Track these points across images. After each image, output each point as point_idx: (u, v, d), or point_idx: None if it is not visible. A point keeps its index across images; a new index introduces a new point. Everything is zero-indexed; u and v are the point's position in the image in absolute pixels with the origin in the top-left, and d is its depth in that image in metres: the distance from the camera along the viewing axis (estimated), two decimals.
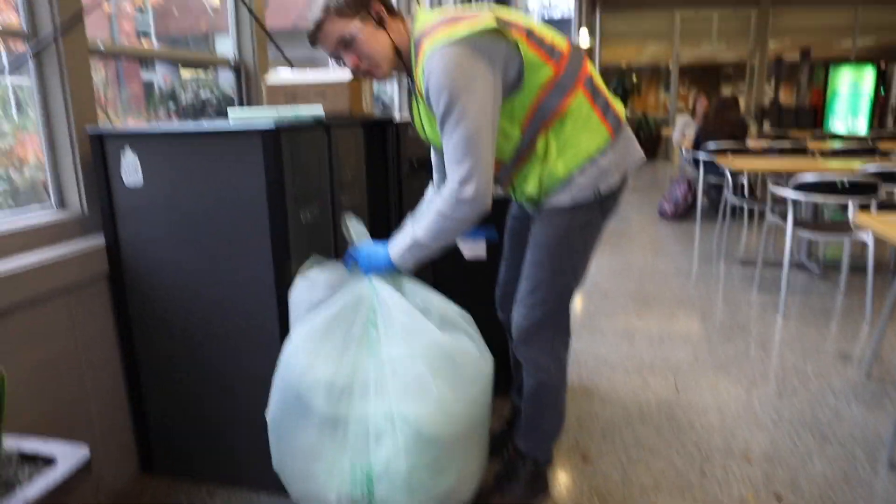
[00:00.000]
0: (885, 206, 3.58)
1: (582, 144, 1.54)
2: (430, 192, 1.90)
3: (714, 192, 6.52)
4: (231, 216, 1.66)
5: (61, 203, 1.86)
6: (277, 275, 1.65)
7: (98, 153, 1.74)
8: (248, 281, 1.69)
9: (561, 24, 16.01)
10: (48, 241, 1.74)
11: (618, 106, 1.63)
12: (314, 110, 1.75)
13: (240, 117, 1.76)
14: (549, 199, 1.60)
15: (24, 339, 1.59)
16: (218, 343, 1.78)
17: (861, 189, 3.31)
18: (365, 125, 2.23)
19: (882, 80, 11.38)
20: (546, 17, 16.64)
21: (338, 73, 2.24)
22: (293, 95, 2.19)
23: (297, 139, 1.68)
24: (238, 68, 2.75)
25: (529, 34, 1.49)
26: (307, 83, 2.19)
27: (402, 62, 1.55)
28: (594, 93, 1.57)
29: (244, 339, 1.75)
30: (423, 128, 1.63)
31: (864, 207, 3.47)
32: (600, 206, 1.61)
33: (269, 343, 1.70)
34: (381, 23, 1.51)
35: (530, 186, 1.59)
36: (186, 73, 5.43)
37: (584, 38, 11.36)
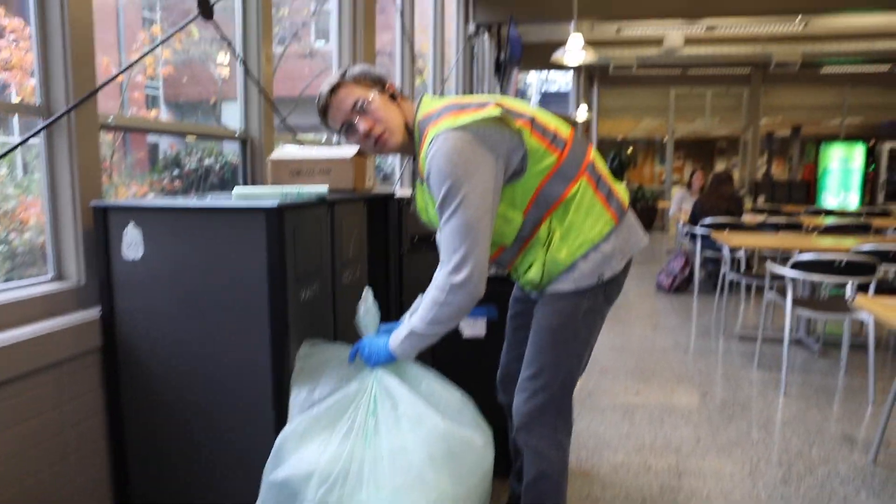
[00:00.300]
0: (882, 285, 3.58)
1: (585, 231, 1.55)
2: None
3: (711, 265, 6.54)
4: (230, 293, 1.65)
5: (59, 275, 1.85)
6: (275, 355, 1.63)
7: (101, 226, 1.74)
8: (244, 359, 1.66)
9: (559, 98, 16.49)
10: (43, 315, 1.71)
11: (621, 191, 1.64)
12: (318, 189, 1.77)
13: (244, 195, 1.77)
14: (551, 284, 1.59)
15: (7, 414, 1.55)
16: (210, 423, 1.73)
17: (859, 268, 3.32)
18: (367, 201, 2.25)
19: (871, 156, 11.65)
20: (545, 91, 17.17)
21: (343, 150, 2.27)
22: (298, 171, 2.22)
23: (300, 217, 1.69)
24: (244, 140, 2.80)
25: (533, 123, 1.53)
26: (312, 159, 2.23)
27: (411, 140, 1.58)
28: (598, 179, 1.59)
29: (237, 419, 1.70)
30: (427, 210, 1.64)
31: (862, 287, 3.48)
32: (603, 292, 1.61)
33: (264, 424, 1.66)
34: (393, 98, 1.57)
35: (533, 272, 1.58)
36: (192, 139, 5.53)
37: (582, 113, 11.68)
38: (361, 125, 1.55)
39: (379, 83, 1.57)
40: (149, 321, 1.74)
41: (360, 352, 1.56)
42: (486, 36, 8.04)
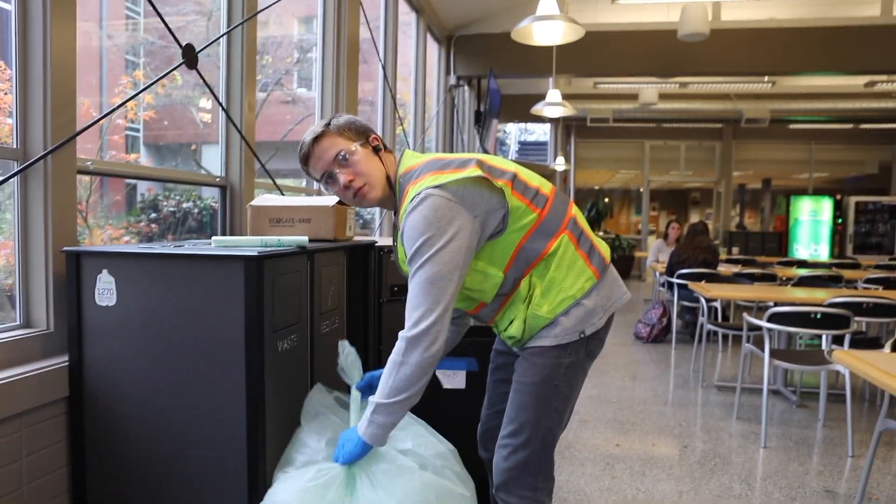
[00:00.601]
0: (857, 337, 3.63)
1: (566, 287, 1.54)
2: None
3: (688, 314, 6.60)
4: (205, 343, 1.61)
5: (27, 322, 1.79)
6: (250, 408, 1.58)
7: (73, 272, 1.70)
8: (217, 413, 1.61)
9: (537, 148, 16.80)
10: (9, 364, 1.65)
11: (602, 247, 1.65)
12: (299, 239, 1.75)
13: (223, 242, 1.74)
14: (532, 339, 1.58)
15: None
16: (181, 478, 1.66)
17: (834, 321, 3.36)
18: (347, 250, 2.24)
19: (839, 209, 11.98)
20: (523, 141, 17.49)
21: (323, 199, 2.27)
22: (277, 220, 2.20)
23: (279, 267, 1.66)
24: (224, 187, 2.79)
25: (514, 181, 1.53)
26: (292, 207, 2.22)
27: (392, 194, 1.58)
28: (579, 235, 1.59)
29: (209, 475, 1.63)
30: (405, 263, 1.63)
31: (838, 339, 3.51)
32: (585, 347, 1.59)
33: (237, 480, 1.59)
34: (376, 151, 1.57)
35: (514, 328, 1.57)
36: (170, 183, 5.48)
37: (559, 164, 11.91)
38: (342, 177, 1.54)
39: (363, 135, 1.58)
40: (119, 371, 1.68)
41: (337, 450, 1.50)
42: (467, 87, 8.22)
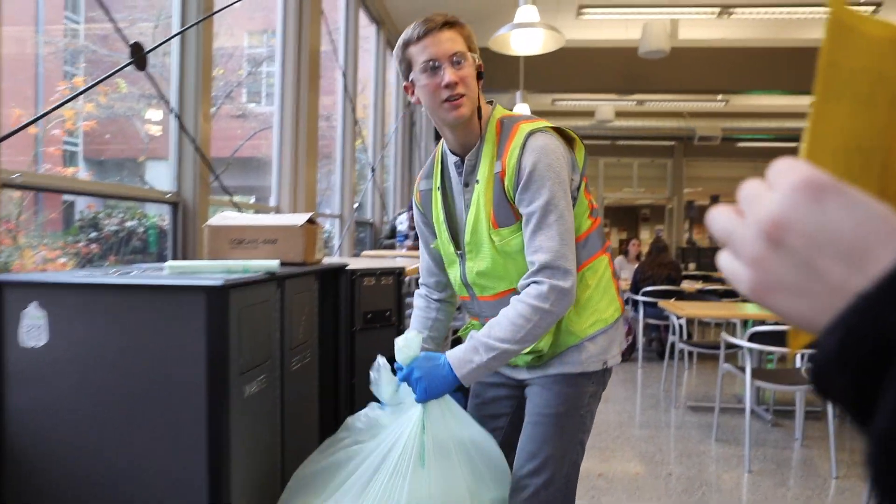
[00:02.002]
0: None
1: (601, 309, 1.45)
2: (421, 300, 1.67)
3: (653, 332, 6.55)
4: (158, 391, 1.35)
5: None
6: (212, 467, 1.33)
7: None
8: (172, 473, 1.35)
9: None
10: None
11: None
12: (267, 264, 1.52)
13: (180, 269, 1.50)
14: (554, 361, 1.43)
15: None
16: None
17: None
18: (318, 274, 2.01)
19: None
20: None
21: (291, 217, 2.04)
22: (239, 241, 1.96)
23: (247, 297, 1.43)
24: (175, 204, 2.52)
25: (587, 182, 1.48)
26: (256, 226, 1.98)
27: (477, 126, 1.41)
28: (614, 268, 1.53)
29: None
30: (478, 220, 1.41)
31: None
32: (602, 378, 1.49)
33: None
34: (480, 77, 1.41)
35: (542, 339, 1.40)
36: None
37: None
38: (449, 75, 1.35)
39: (476, 54, 1.41)
40: (50, 426, 1.41)
41: (412, 383, 1.34)
42: None
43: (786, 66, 6.98)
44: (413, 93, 1.41)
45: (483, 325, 1.41)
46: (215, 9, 2.57)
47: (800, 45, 6.97)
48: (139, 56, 1.98)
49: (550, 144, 1.33)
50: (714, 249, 13.23)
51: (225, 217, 2.07)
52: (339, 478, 1.34)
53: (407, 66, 1.39)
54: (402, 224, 5.54)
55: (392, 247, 5.56)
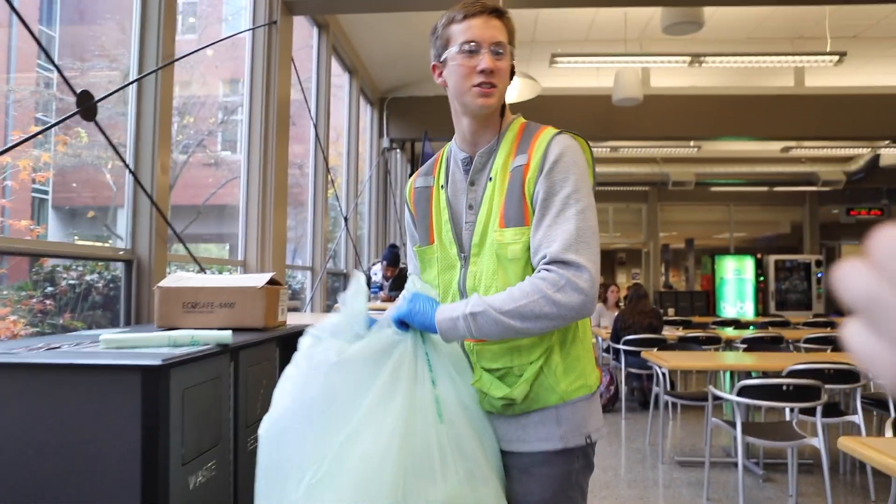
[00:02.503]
0: (831, 408, 3.46)
1: (587, 372, 1.30)
2: (412, 284, 1.45)
3: (635, 381, 6.40)
4: (86, 485, 1.17)
5: None
6: None
7: None
8: None
9: None
10: None
11: None
12: (219, 336, 1.35)
13: (115, 343, 1.32)
14: (530, 428, 1.26)
15: None
16: None
17: (803, 391, 3.18)
18: (281, 341, 1.84)
19: (760, 268, 12.41)
20: None
21: (252, 278, 1.88)
22: (193, 304, 1.79)
23: (192, 375, 1.26)
24: (129, 262, 2.34)
25: None
26: (213, 288, 1.81)
27: (497, 123, 1.33)
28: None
29: None
30: (489, 219, 1.27)
31: (807, 411, 3.33)
32: (587, 453, 1.30)
33: None
34: (512, 74, 1.34)
35: (518, 387, 1.23)
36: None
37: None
38: (487, 61, 1.26)
39: (513, 48, 1.32)
40: None
41: (410, 303, 1.23)
42: (400, 151, 8.03)
43: (754, 113, 7.08)
44: (441, 74, 1.32)
45: (464, 343, 1.29)
46: (175, 56, 2.46)
47: (766, 93, 7.09)
48: (88, 105, 1.84)
49: (578, 146, 1.28)
50: (692, 293, 13.27)
51: (178, 278, 1.91)
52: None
53: (443, 44, 1.30)
54: (376, 275, 5.39)
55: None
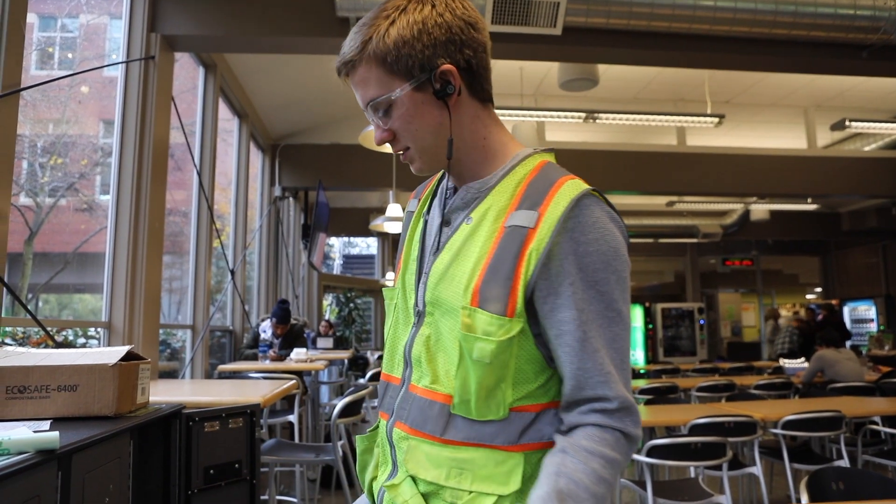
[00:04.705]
0: (735, 465, 3.44)
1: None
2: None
3: None
4: None
5: None
6: None
7: None
8: None
9: (362, 262, 16.46)
10: None
11: None
12: (39, 441, 1.02)
13: None
14: None
15: None
16: None
17: (711, 448, 3.14)
18: (136, 431, 1.50)
19: (648, 316, 12.94)
20: (347, 254, 17.09)
21: (103, 353, 1.53)
22: (21, 388, 1.42)
23: None
24: None
25: None
26: (49, 367, 1.45)
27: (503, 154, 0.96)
28: None
29: None
30: (450, 270, 0.91)
31: (713, 467, 3.29)
32: None
33: None
34: (442, 93, 0.90)
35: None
36: None
37: (389, 279, 11.59)
38: (376, 131, 0.94)
39: (424, 69, 0.88)
40: None
41: None
42: (293, 199, 7.68)
43: (642, 169, 7.39)
44: None
45: (393, 429, 0.93)
46: (22, 85, 2.09)
47: (653, 150, 7.45)
48: None
49: (614, 224, 0.89)
50: None
51: (5, 354, 1.53)
52: None
53: None
54: (265, 332, 4.97)
55: (254, 357, 4.95)
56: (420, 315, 0.94)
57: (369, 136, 3.10)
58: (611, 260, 0.86)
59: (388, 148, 3.51)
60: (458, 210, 0.95)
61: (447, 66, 0.88)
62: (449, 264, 0.91)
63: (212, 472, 1.77)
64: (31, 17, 2.92)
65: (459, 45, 0.89)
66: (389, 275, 11.70)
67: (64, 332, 3.60)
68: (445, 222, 0.96)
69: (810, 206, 10.03)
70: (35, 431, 1.10)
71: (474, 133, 0.94)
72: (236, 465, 1.85)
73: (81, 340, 3.70)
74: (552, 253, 0.85)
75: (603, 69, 5.56)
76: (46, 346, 2.88)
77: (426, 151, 0.93)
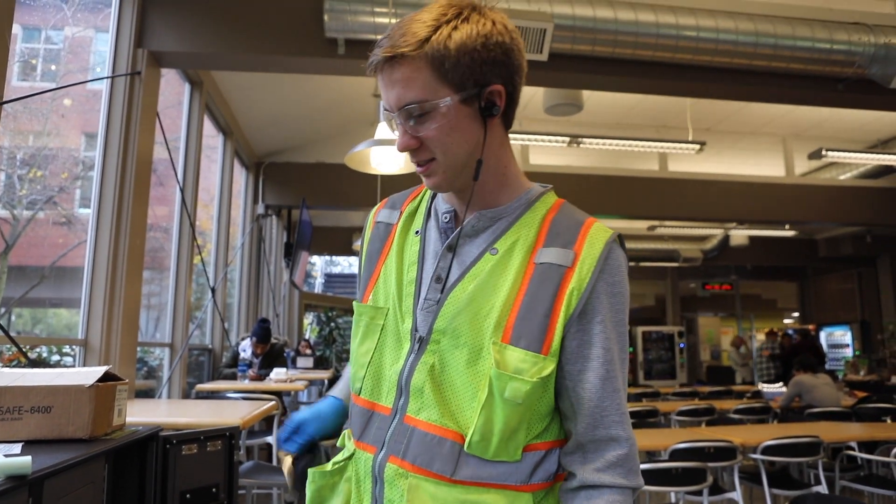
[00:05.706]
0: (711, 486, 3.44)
1: None
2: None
3: None
4: None
5: None
6: None
7: None
8: None
9: (344, 280, 16.37)
10: None
11: None
12: (12, 466, 0.99)
13: None
14: None
15: None
16: None
17: (691, 474, 3.14)
18: (112, 454, 1.46)
19: (629, 339, 13.01)
20: (329, 273, 16.99)
21: (80, 372, 1.50)
22: None
23: None
24: None
25: None
26: (21, 388, 1.42)
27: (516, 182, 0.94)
28: None
29: None
30: (476, 303, 0.87)
31: (694, 493, 3.29)
32: None
33: None
34: (487, 113, 0.86)
35: None
36: None
37: None
38: (401, 136, 0.87)
39: (478, 83, 0.84)
40: None
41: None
42: (276, 217, 7.64)
43: (624, 193, 7.48)
44: None
45: (386, 464, 0.86)
46: (3, 101, 2.06)
47: (635, 175, 7.54)
48: None
49: (626, 267, 0.91)
50: None
51: None
52: None
53: None
54: (244, 351, 4.91)
55: (233, 377, 4.87)
56: (422, 342, 0.88)
57: (354, 156, 3.09)
58: (627, 302, 0.89)
59: (374, 168, 3.47)
60: (469, 237, 0.91)
61: (498, 87, 0.86)
62: (473, 295, 0.87)
63: (188, 496, 1.73)
64: (15, 28, 2.89)
65: (513, 69, 0.87)
66: None
67: (38, 349, 3.53)
68: (448, 248, 0.91)
69: (788, 233, 10.19)
70: (6, 455, 1.07)
71: (499, 159, 0.92)
72: (213, 490, 1.81)
73: (56, 357, 3.63)
74: (592, 297, 0.86)
75: (587, 95, 5.64)
76: (19, 363, 2.81)
77: (453, 168, 0.88)
